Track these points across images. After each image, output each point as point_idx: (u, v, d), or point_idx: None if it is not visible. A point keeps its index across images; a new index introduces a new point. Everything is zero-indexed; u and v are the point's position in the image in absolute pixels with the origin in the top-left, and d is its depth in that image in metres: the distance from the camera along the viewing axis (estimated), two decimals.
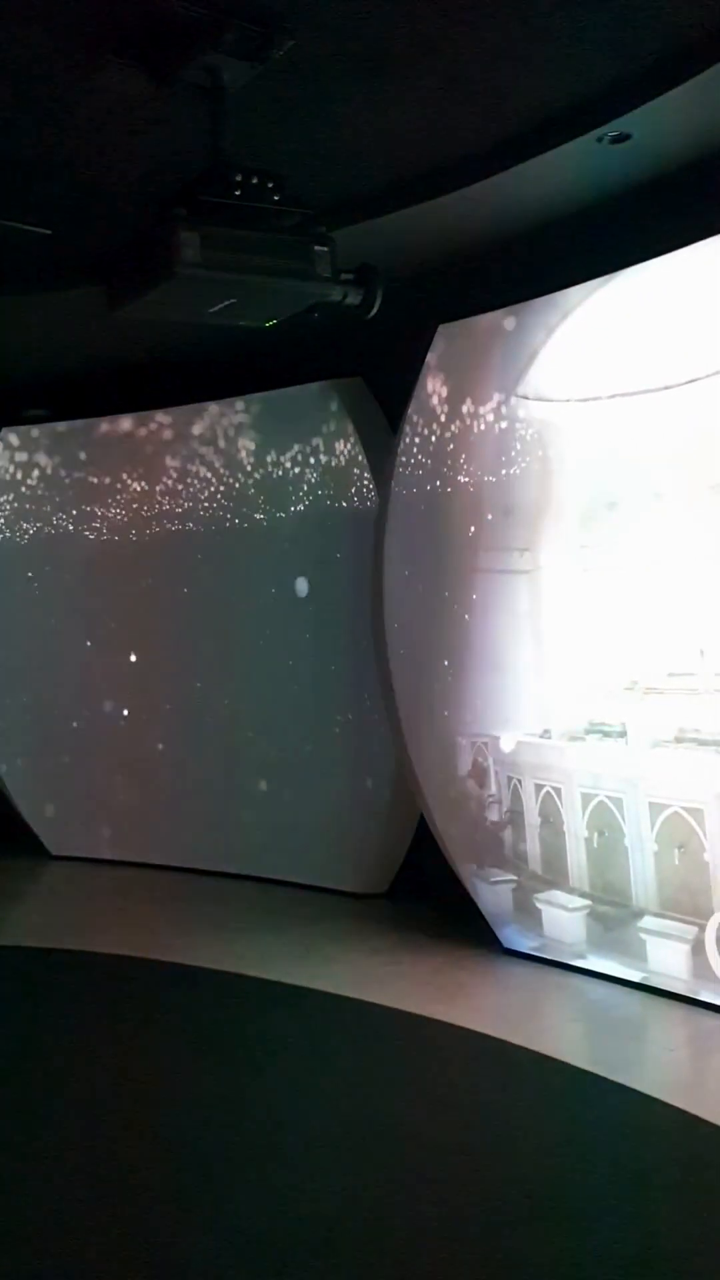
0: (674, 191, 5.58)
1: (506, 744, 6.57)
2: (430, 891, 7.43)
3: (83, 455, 9.37)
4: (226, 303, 4.65)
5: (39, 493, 9.51)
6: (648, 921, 5.92)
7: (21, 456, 9.48)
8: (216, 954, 6.83)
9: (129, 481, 9.23)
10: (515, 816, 6.62)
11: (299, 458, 8.25)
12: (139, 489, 9.20)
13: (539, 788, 6.48)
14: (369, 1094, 4.90)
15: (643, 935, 5.93)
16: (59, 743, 9.55)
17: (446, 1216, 3.86)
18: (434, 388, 6.81)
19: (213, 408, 8.72)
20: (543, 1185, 4.08)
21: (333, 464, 8.04)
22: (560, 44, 4.48)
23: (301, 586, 7.93)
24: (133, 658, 9.28)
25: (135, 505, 9.23)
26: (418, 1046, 5.46)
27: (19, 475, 9.51)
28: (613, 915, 6.11)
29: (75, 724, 9.50)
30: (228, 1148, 4.40)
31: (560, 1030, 5.69)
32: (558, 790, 6.38)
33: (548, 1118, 4.67)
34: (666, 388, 5.65)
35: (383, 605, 7.08)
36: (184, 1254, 3.68)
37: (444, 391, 6.77)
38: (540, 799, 6.49)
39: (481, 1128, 4.55)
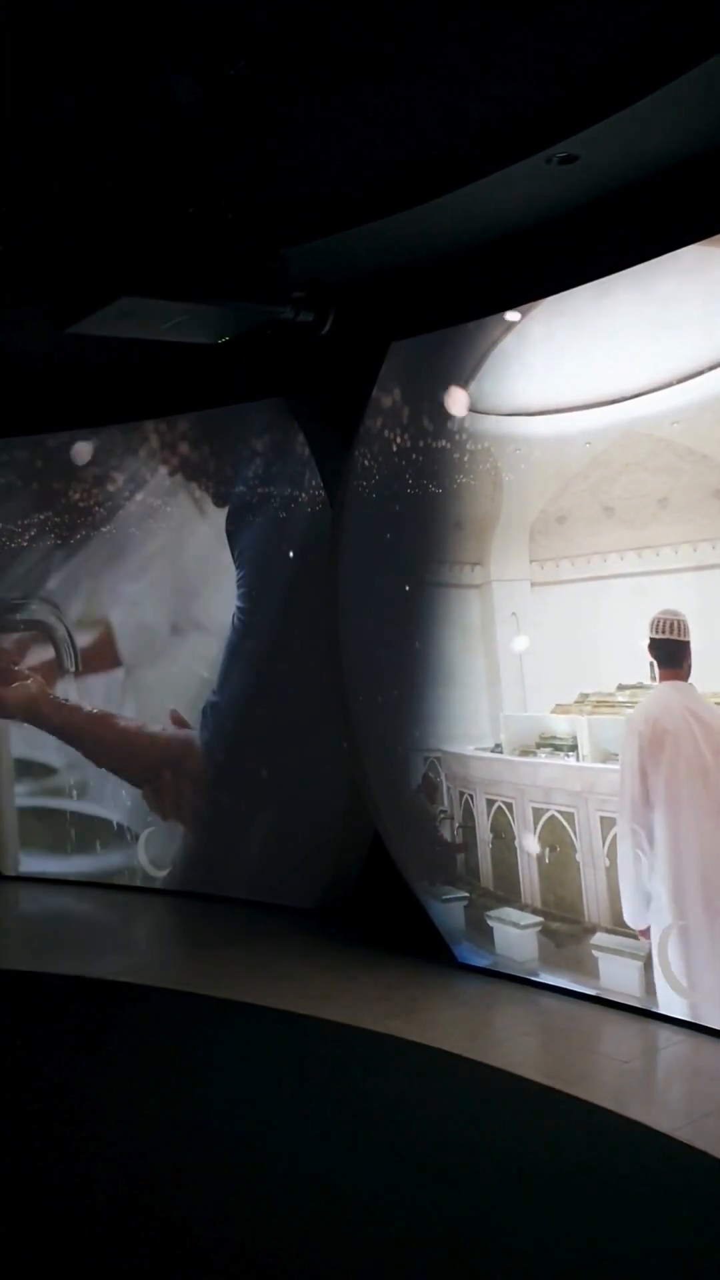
0: (623, 211, 5.67)
1: (458, 758, 6.60)
2: (385, 907, 7.42)
3: (39, 464, 9.32)
4: (178, 319, 4.66)
5: None
6: (600, 938, 5.95)
7: None
8: (169, 972, 6.79)
9: (74, 499, 9.18)
10: (467, 832, 6.64)
11: (251, 474, 8.24)
12: (87, 505, 9.14)
13: (490, 803, 6.50)
14: (324, 1109, 4.88)
15: (595, 952, 5.95)
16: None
17: (402, 1230, 3.86)
18: (386, 403, 6.84)
19: (166, 424, 8.71)
20: (498, 1198, 4.08)
21: (286, 480, 8.03)
22: (509, 67, 4.55)
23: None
24: (81, 671, 9.23)
25: (81, 521, 9.18)
26: (372, 1062, 5.45)
27: None
28: (565, 932, 6.13)
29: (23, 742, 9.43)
30: (180, 1166, 4.37)
31: (515, 1044, 5.69)
32: (509, 805, 6.41)
33: (503, 1131, 4.67)
34: (615, 402, 5.71)
35: (337, 619, 7.10)
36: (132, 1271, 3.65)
37: (396, 407, 6.80)
38: (492, 814, 6.51)
39: (437, 1142, 4.55)
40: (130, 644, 9.04)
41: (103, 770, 9.14)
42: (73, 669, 9.16)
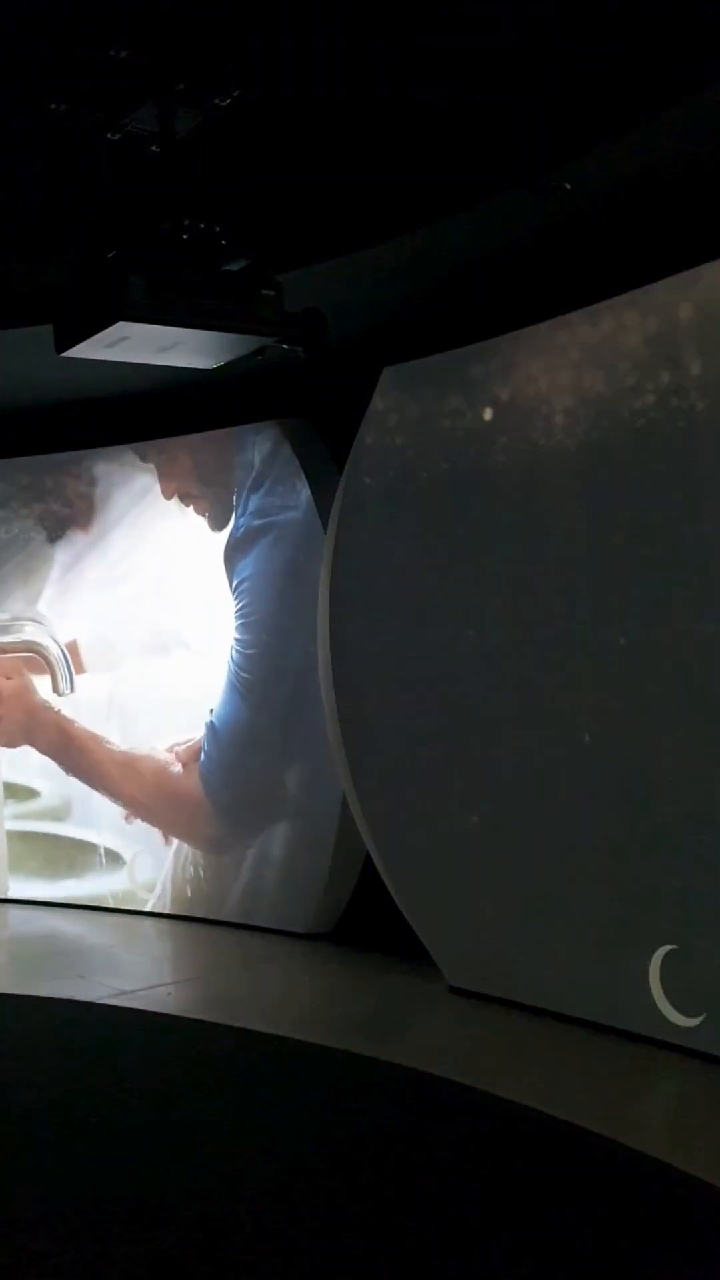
0: (612, 240, 5.73)
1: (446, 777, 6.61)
2: (377, 929, 7.41)
3: (32, 485, 9.33)
4: (173, 344, 4.69)
5: None
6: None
7: None
8: (159, 997, 6.76)
9: (65, 520, 9.19)
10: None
11: (246, 499, 8.24)
12: (78, 527, 9.16)
13: None
14: (313, 1134, 4.87)
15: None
16: None
17: (392, 1250, 3.85)
18: (379, 429, 6.87)
19: (162, 447, 8.73)
20: (491, 1221, 4.07)
21: (281, 505, 8.03)
22: (499, 96, 4.60)
23: None
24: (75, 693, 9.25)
25: (73, 543, 9.20)
26: (361, 1085, 5.43)
27: None
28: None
29: None
30: (158, 1188, 4.35)
31: (506, 1068, 5.69)
32: None
33: (493, 1154, 4.67)
34: (610, 418, 5.75)
35: (329, 642, 7.11)
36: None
37: (389, 433, 6.83)
38: None
39: (428, 1166, 4.54)
40: (114, 662, 9.06)
41: (89, 793, 9.13)
42: (69, 691, 9.15)
